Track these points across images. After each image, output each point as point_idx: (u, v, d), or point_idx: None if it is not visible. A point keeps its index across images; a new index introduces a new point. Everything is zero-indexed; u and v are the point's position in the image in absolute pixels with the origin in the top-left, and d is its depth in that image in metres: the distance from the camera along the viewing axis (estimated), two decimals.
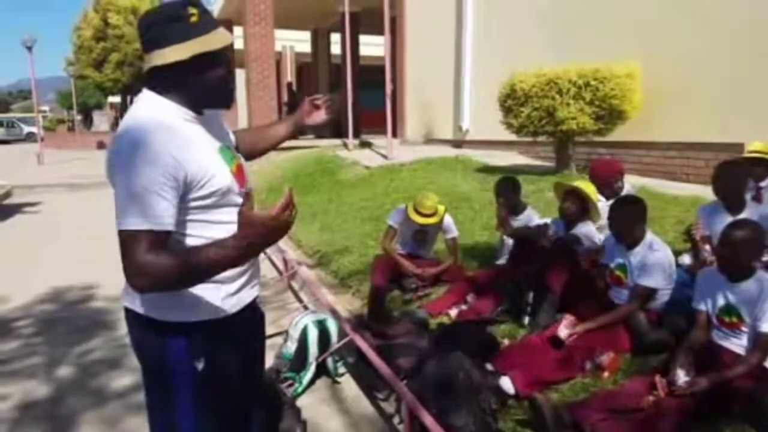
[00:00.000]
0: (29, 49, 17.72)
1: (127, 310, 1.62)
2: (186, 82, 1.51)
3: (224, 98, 1.60)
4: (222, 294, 1.60)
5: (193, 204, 1.48)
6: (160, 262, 1.33)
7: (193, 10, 1.49)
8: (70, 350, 3.94)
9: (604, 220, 3.91)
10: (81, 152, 23.53)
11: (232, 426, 1.69)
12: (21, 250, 7.13)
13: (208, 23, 1.52)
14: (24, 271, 6.00)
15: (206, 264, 1.35)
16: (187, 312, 1.55)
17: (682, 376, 2.47)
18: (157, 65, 1.48)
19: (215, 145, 1.59)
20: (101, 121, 42.07)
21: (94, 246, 6.48)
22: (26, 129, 38.54)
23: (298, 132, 2.05)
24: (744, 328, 2.64)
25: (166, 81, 1.51)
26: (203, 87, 1.53)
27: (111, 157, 1.43)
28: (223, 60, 1.55)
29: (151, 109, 1.50)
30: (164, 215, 1.38)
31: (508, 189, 4.31)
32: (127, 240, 1.35)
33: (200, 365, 1.56)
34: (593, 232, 3.83)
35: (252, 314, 1.78)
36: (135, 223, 1.35)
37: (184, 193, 1.45)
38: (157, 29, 1.49)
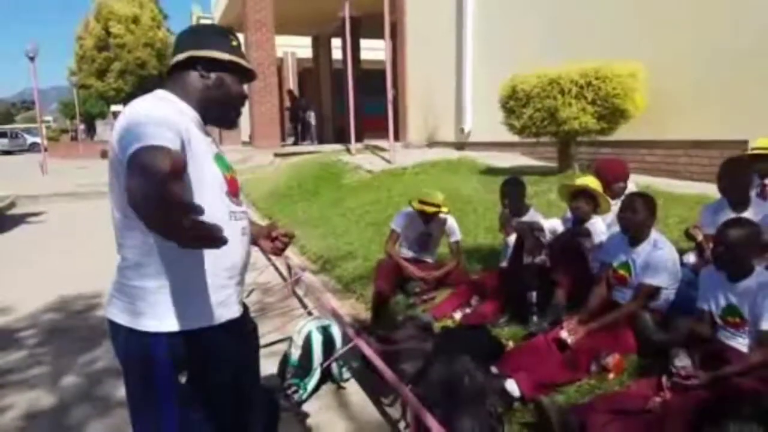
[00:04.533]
0: (32, 59, 17.75)
1: (110, 323, 1.61)
2: (211, 87, 1.63)
3: (232, 118, 1.73)
4: (208, 303, 1.59)
5: None
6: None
7: (234, 38, 1.71)
8: (74, 360, 3.94)
9: (611, 219, 3.89)
10: (84, 161, 23.59)
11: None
12: (25, 259, 7.15)
13: (242, 53, 1.71)
14: (28, 281, 6.01)
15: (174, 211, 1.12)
16: (170, 321, 1.53)
17: (683, 358, 2.45)
18: (196, 55, 1.61)
19: (213, 151, 1.63)
20: (104, 130, 42.21)
21: (98, 255, 6.43)
22: (30, 139, 38.73)
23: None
24: (749, 327, 2.61)
25: (184, 84, 1.62)
26: (223, 98, 1.66)
27: (122, 122, 1.43)
28: (244, 83, 1.72)
29: (161, 98, 1.58)
30: (170, 140, 1.36)
31: (513, 190, 4.30)
32: (142, 154, 1.27)
33: (183, 378, 1.55)
34: (603, 228, 3.82)
35: (242, 326, 1.76)
36: (145, 142, 1.30)
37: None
38: (202, 37, 1.67)
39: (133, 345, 1.56)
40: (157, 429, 1.60)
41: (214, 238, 1.09)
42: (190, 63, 1.63)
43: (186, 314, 1.55)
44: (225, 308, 1.64)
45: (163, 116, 1.43)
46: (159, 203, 1.10)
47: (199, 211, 1.10)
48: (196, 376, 1.56)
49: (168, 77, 1.67)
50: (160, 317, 1.53)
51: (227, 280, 1.63)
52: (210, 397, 1.62)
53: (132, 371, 1.61)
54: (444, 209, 4.39)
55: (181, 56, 1.63)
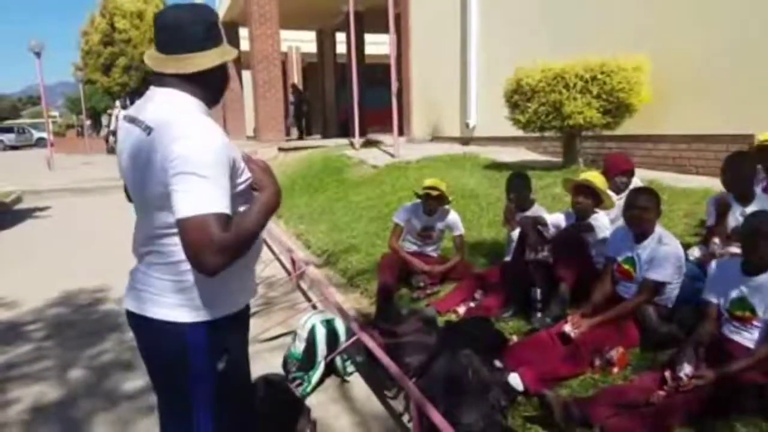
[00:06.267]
0: (37, 55, 17.79)
1: (133, 315, 1.62)
2: (204, 79, 1.58)
3: (221, 97, 1.72)
4: (236, 289, 1.62)
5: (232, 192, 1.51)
6: (232, 237, 1.40)
7: (216, 15, 1.62)
8: (81, 353, 3.97)
9: (615, 214, 3.88)
10: (90, 156, 23.66)
11: (244, 422, 1.71)
12: (32, 254, 7.19)
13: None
14: (35, 276, 6.04)
15: (258, 217, 1.49)
16: (208, 311, 1.55)
17: (687, 369, 2.45)
18: (208, 67, 1.56)
19: None
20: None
21: (104, 249, 6.53)
22: (36, 134, 38.87)
23: None
24: (756, 323, 2.60)
25: (184, 77, 1.55)
26: (218, 85, 1.66)
27: (173, 147, 1.42)
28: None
29: (190, 105, 1.55)
30: (227, 200, 1.43)
31: (519, 185, 4.29)
32: (201, 223, 1.37)
33: (221, 365, 1.57)
34: (607, 223, 3.81)
35: (248, 310, 1.80)
36: (207, 207, 1.38)
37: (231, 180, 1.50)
38: (196, 30, 1.55)
39: (168, 337, 1.56)
40: (191, 421, 1.61)
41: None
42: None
43: (221, 303, 1.58)
44: (247, 292, 1.70)
45: (212, 140, 1.45)
46: (217, 266, 1.39)
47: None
48: (229, 362, 1.60)
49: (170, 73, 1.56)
50: (199, 308, 1.55)
51: (247, 266, 1.67)
52: (239, 382, 1.66)
53: (164, 364, 1.62)
54: (447, 195, 4.43)
55: (206, 61, 1.56)
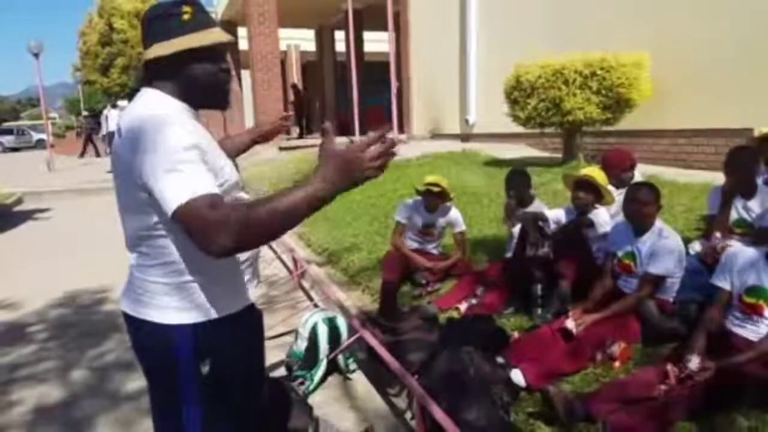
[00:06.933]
0: (36, 56, 17.75)
1: (128, 316, 1.61)
2: (177, 77, 1.53)
3: (219, 99, 1.62)
4: (228, 291, 1.60)
5: None
6: (232, 215, 1.28)
7: (186, 9, 1.53)
8: (83, 354, 3.97)
9: (615, 209, 3.88)
10: (89, 158, 23.64)
11: (240, 427, 1.69)
12: (33, 256, 7.19)
13: (201, 22, 1.54)
14: (36, 277, 6.05)
15: (286, 203, 1.29)
16: (195, 312, 1.54)
17: (695, 362, 2.45)
18: (147, 60, 1.52)
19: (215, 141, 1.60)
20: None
21: (104, 250, 6.49)
22: (35, 136, 38.85)
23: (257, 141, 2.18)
24: (765, 314, 2.60)
25: (160, 77, 1.53)
26: (194, 84, 1.54)
27: (138, 148, 1.38)
28: (215, 59, 1.57)
29: (160, 102, 1.50)
30: (210, 183, 1.36)
31: (518, 182, 4.29)
32: (188, 211, 1.30)
33: (205, 368, 1.55)
34: (607, 218, 3.80)
35: (253, 313, 1.78)
36: (189, 193, 1.31)
37: None
38: (151, 26, 1.53)
39: (157, 339, 1.55)
40: (181, 422, 1.60)
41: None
42: (162, 57, 1.51)
43: (209, 304, 1.55)
44: (243, 295, 1.66)
45: (179, 132, 1.38)
46: (225, 247, 1.28)
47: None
48: (215, 366, 1.57)
49: (148, 72, 1.55)
50: (186, 309, 1.53)
51: (245, 267, 1.65)
52: (230, 386, 1.63)
53: (155, 365, 1.62)
54: (448, 192, 4.43)
55: (154, 51, 1.51)
